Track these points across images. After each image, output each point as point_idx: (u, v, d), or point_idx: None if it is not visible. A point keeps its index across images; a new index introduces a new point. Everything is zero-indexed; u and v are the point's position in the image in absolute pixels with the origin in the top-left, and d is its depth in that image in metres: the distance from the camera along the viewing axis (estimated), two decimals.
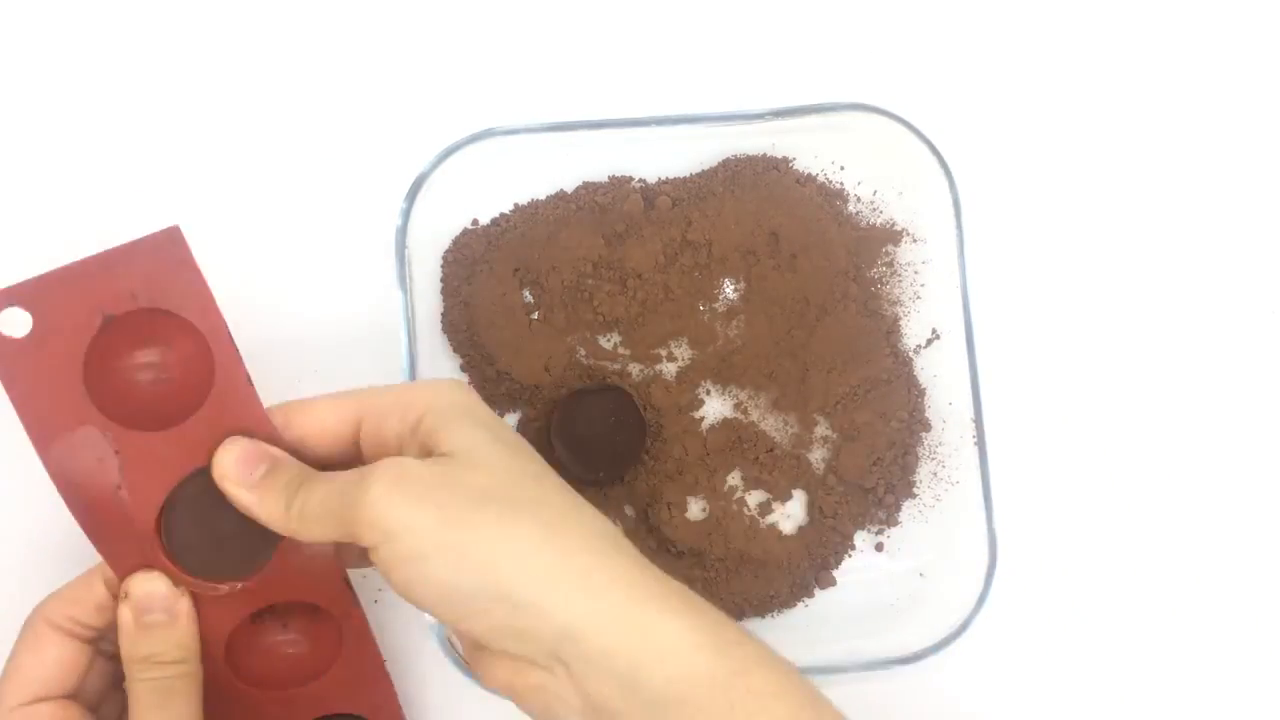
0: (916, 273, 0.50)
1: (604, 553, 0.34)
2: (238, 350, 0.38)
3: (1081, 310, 0.52)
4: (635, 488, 0.48)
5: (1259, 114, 0.53)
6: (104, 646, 0.40)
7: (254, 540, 0.39)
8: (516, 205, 0.49)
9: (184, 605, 0.39)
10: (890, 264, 0.50)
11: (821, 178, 0.50)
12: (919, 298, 0.50)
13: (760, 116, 0.48)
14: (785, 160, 0.50)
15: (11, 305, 0.36)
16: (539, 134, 0.47)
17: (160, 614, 0.38)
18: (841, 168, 0.50)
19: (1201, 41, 0.54)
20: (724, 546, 0.47)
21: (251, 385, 0.38)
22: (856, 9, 0.53)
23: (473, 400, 0.38)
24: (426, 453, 0.36)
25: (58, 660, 0.38)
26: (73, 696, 0.39)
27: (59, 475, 0.37)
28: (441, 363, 0.49)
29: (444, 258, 0.49)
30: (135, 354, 0.39)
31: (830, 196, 0.50)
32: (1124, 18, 0.53)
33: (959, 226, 0.47)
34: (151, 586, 0.39)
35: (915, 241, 0.50)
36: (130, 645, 0.38)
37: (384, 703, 0.43)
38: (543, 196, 0.49)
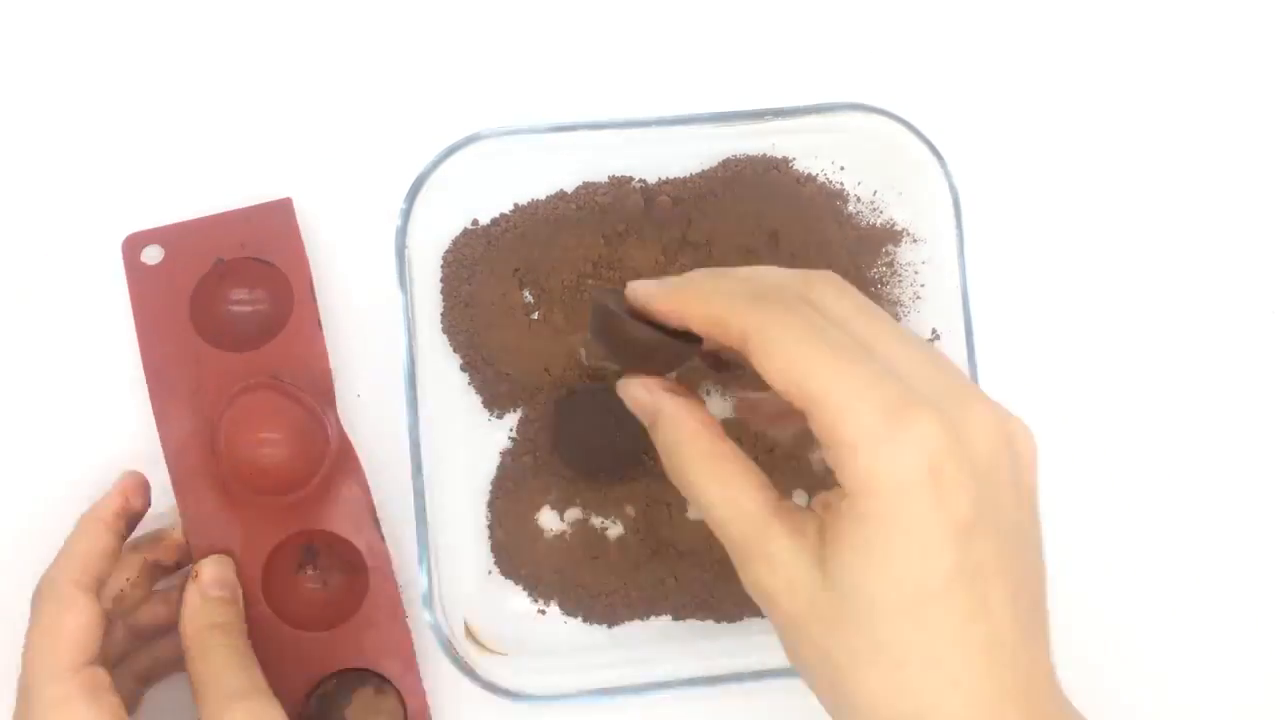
0: (916, 273, 0.50)
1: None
2: (316, 302, 0.47)
3: (1081, 310, 0.52)
4: (635, 488, 0.48)
5: (1259, 114, 0.53)
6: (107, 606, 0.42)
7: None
8: (516, 205, 0.49)
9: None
10: (890, 264, 0.50)
11: (821, 178, 0.50)
12: (919, 298, 0.50)
13: (760, 116, 0.48)
14: (785, 160, 0.50)
15: (153, 243, 0.48)
16: (539, 134, 0.47)
17: (226, 590, 0.43)
18: (841, 168, 0.50)
19: (1201, 41, 0.54)
20: (724, 547, 0.47)
21: (320, 329, 0.47)
22: (856, 9, 0.53)
23: (935, 507, 0.29)
24: None
25: (91, 621, 0.39)
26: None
27: (151, 372, 0.47)
28: (441, 363, 0.49)
29: (444, 258, 0.49)
30: (233, 290, 0.49)
31: (830, 196, 0.50)
32: (1123, 18, 0.53)
33: (959, 226, 0.47)
34: (220, 571, 0.43)
35: (915, 241, 0.50)
36: (204, 616, 0.42)
37: (401, 652, 0.46)
38: (543, 196, 0.49)
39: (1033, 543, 0.33)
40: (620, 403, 0.47)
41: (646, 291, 0.34)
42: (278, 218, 0.48)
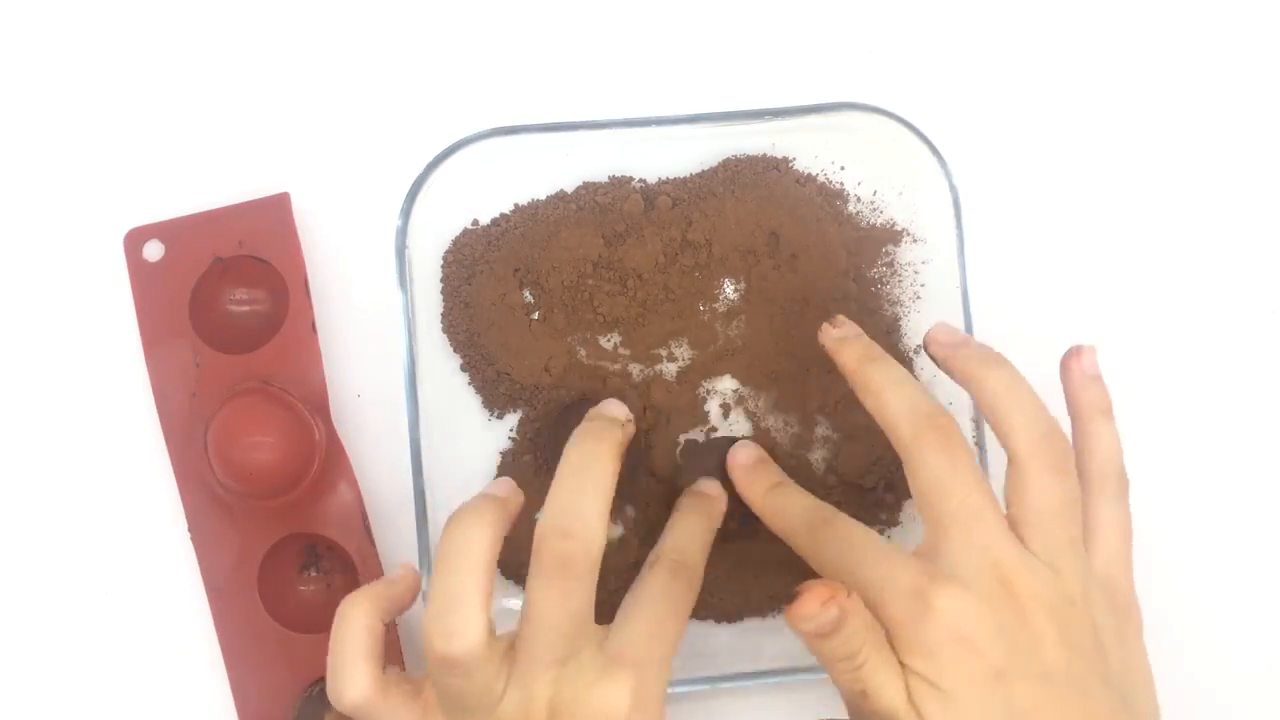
0: (916, 273, 0.50)
1: None
2: (310, 302, 0.47)
3: (1081, 310, 0.52)
4: (635, 488, 0.48)
5: (1259, 114, 0.53)
6: None
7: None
8: (516, 205, 0.49)
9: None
10: (890, 264, 0.50)
11: (821, 178, 0.50)
12: (919, 298, 0.50)
13: (760, 116, 0.48)
14: (785, 160, 0.50)
15: (154, 238, 0.48)
16: (539, 134, 0.47)
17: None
18: (841, 168, 0.50)
19: (1201, 41, 0.54)
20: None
21: (315, 332, 0.47)
22: (856, 9, 0.53)
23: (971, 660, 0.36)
24: None
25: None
26: None
27: (154, 373, 0.47)
28: (441, 363, 0.49)
29: (444, 258, 0.49)
30: (231, 290, 0.49)
31: (830, 196, 0.50)
32: (1123, 18, 0.53)
33: (959, 226, 0.47)
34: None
35: (915, 241, 0.50)
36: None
37: (391, 656, 0.46)
38: (543, 196, 0.49)
39: (1095, 680, 0.37)
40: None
41: (746, 473, 0.45)
42: (274, 214, 0.48)
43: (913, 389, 0.40)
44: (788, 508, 0.43)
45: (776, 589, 0.48)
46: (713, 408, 0.49)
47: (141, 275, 0.48)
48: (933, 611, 0.35)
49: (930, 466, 0.38)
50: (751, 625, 0.48)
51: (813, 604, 0.34)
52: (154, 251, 0.48)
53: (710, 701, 0.47)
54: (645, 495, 0.48)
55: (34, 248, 0.50)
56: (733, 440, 0.47)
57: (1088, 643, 0.36)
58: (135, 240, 0.48)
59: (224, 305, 0.49)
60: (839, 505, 0.48)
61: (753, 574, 0.48)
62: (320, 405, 0.47)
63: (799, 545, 0.41)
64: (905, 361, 0.49)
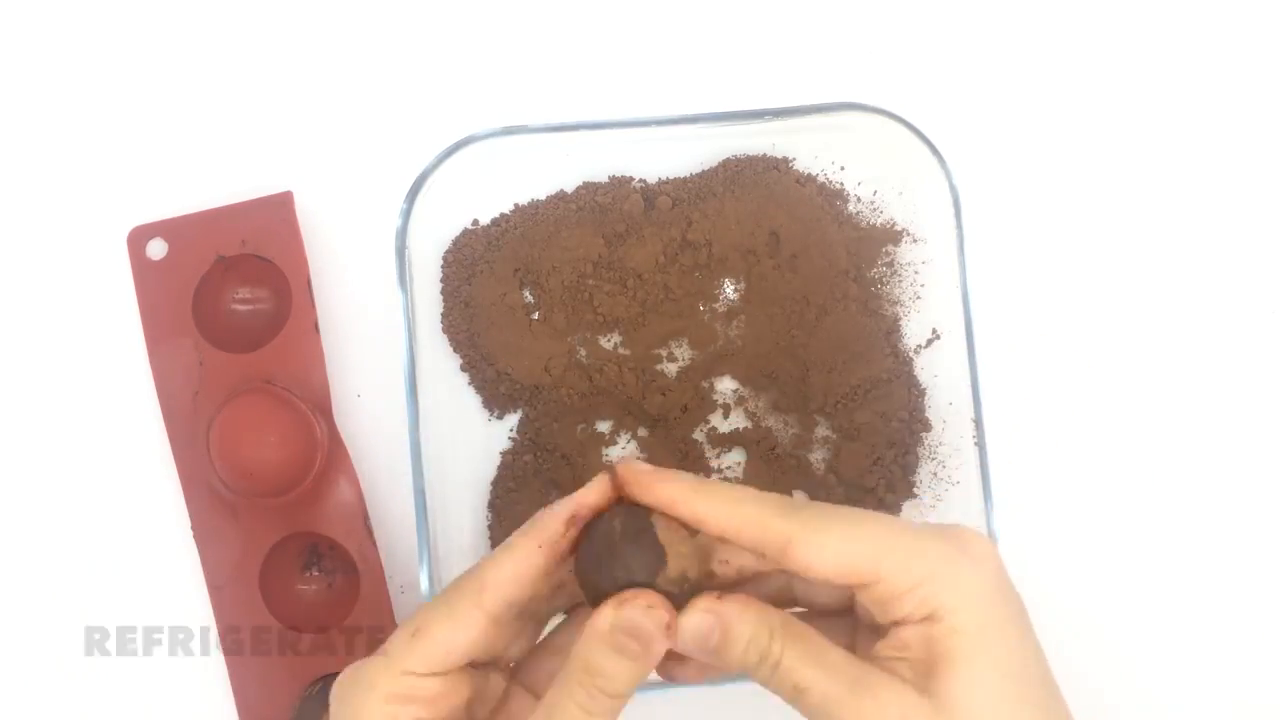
0: (916, 273, 0.50)
1: None
2: (313, 301, 0.47)
3: (1081, 310, 0.52)
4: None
5: (1259, 114, 0.53)
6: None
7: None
8: (516, 205, 0.49)
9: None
10: (890, 264, 0.50)
11: (821, 178, 0.50)
12: (919, 298, 0.50)
13: (760, 116, 0.48)
14: (785, 160, 0.50)
15: (156, 236, 0.48)
16: (539, 134, 0.47)
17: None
18: (841, 168, 0.50)
19: (1201, 41, 0.54)
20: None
21: (317, 332, 0.47)
22: (856, 9, 0.53)
23: (1007, 602, 0.34)
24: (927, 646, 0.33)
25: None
26: None
27: (157, 372, 0.47)
28: (442, 363, 0.49)
29: (444, 258, 0.49)
30: (234, 289, 0.49)
31: (830, 196, 0.50)
32: (1123, 17, 0.53)
33: (959, 226, 0.47)
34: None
35: (915, 241, 0.50)
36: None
37: None
38: (543, 196, 0.49)
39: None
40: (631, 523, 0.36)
41: (680, 490, 0.34)
42: (277, 213, 0.48)
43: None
44: (742, 495, 0.35)
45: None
46: (713, 407, 0.49)
47: (145, 273, 0.48)
48: (973, 551, 0.34)
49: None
50: None
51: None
52: (157, 250, 0.48)
53: (710, 701, 0.47)
54: None
55: (38, 246, 0.50)
56: (644, 534, 0.34)
57: None
58: (138, 238, 0.48)
59: (227, 304, 0.49)
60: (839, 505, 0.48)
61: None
62: (322, 404, 0.47)
63: (776, 537, 0.34)
64: (906, 361, 0.49)
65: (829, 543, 0.33)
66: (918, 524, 0.35)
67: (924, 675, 0.32)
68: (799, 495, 0.34)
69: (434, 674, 0.33)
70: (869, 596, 0.33)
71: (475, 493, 0.48)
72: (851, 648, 0.34)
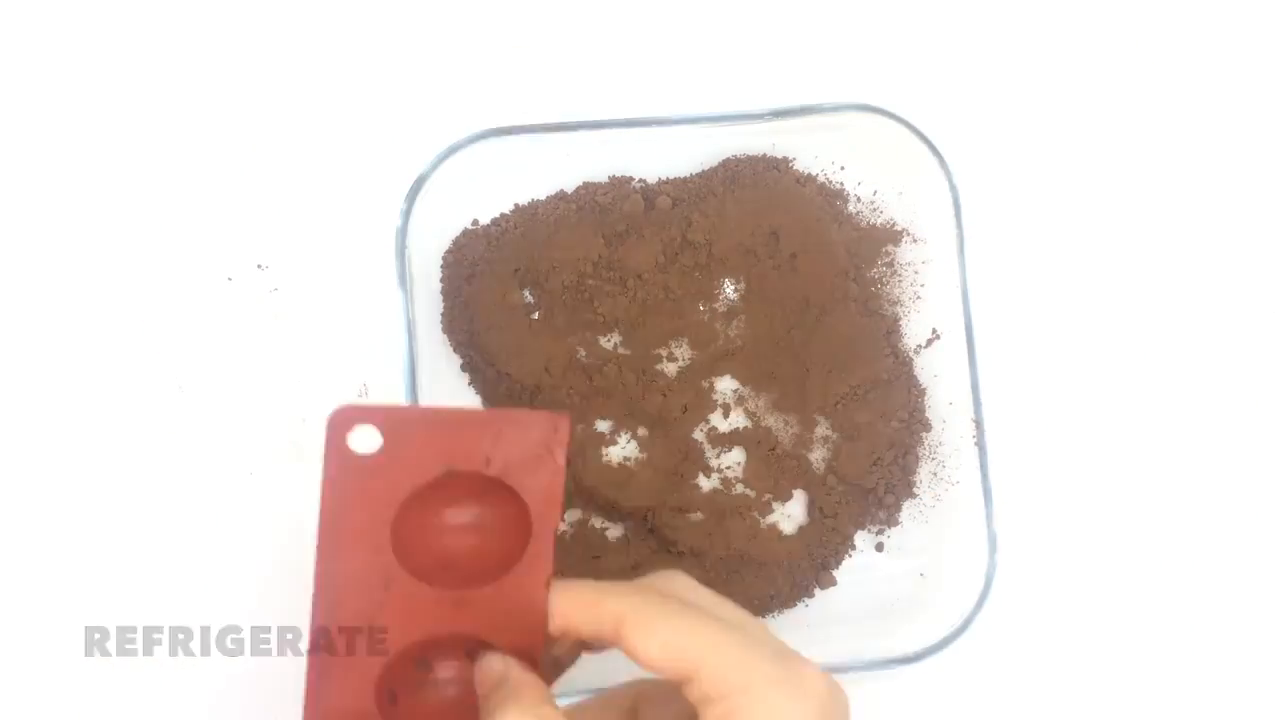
0: (916, 273, 0.50)
1: None
2: (553, 552, 0.37)
3: (1081, 310, 0.52)
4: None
5: (1259, 114, 0.53)
6: None
7: None
8: (516, 205, 0.49)
9: None
10: (890, 264, 0.50)
11: (821, 178, 0.50)
12: (919, 298, 0.50)
13: (760, 116, 0.48)
14: (785, 160, 0.50)
15: (366, 423, 0.36)
16: (539, 134, 0.47)
17: None
18: (841, 168, 0.50)
19: (1202, 41, 0.54)
20: (724, 547, 0.47)
21: (547, 588, 0.37)
22: (856, 9, 0.53)
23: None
24: None
25: None
26: None
27: (323, 585, 0.36)
28: (441, 363, 0.49)
29: (444, 258, 0.49)
30: (453, 511, 0.38)
31: (830, 196, 0.50)
32: (1123, 17, 0.53)
33: (959, 226, 0.47)
34: None
35: (915, 241, 0.50)
36: None
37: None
38: (543, 196, 0.49)
39: None
40: None
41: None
42: (540, 433, 0.37)
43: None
44: (583, 582, 0.36)
45: (777, 589, 0.48)
46: (713, 407, 0.49)
47: (345, 466, 0.37)
48: (800, 677, 0.34)
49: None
50: None
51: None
52: (366, 442, 0.37)
53: None
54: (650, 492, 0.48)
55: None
56: None
57: None
58: (341, 424, 0.36)
59: (439, 527, 0.38)
60: (839, 505, 0.48)
61: (753, 574, 0.48)
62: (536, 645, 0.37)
63: (610, 618, 0.35)
64: (906, 361, 0.49)
65: (659, 630, 0.34)
66: (764, 640, 0.35)
67: None
68: (664, 582, 0.36)
69: None
70: (689, 691, 0.34)
71: None
72: None
